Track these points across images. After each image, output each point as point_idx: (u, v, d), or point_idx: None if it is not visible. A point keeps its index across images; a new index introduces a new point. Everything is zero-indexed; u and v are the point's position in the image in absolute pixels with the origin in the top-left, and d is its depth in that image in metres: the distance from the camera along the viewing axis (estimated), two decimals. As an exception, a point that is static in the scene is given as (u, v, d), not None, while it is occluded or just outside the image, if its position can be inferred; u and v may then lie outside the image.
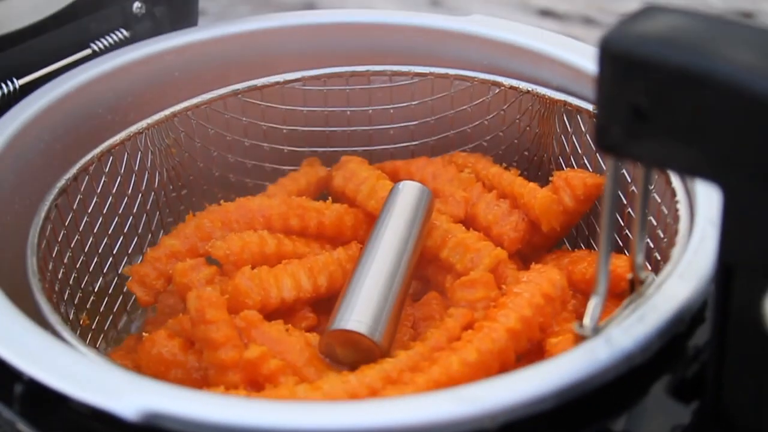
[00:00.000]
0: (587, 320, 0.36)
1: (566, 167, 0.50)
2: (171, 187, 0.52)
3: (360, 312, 0.42)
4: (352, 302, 0.42)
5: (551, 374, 0.33)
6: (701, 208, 0.40)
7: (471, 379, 0.39)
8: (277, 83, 0.51)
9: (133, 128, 0.48)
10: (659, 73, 0.30)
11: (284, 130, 0.52)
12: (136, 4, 0.53)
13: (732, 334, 0.33)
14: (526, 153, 0.52)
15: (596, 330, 0.35)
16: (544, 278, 0.44)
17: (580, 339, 0.36)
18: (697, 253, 0.38)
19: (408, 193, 0.47)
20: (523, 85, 0.50)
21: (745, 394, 0.34)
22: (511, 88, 0.50)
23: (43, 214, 0.44)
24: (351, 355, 0.42)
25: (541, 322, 0.42)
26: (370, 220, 0.49)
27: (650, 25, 0.31)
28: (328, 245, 0.48)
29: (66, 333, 0.38)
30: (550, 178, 0.48)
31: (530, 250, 0.49)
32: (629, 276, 0.37)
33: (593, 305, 0.35)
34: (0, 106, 0.48)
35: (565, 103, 0.49)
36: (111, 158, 0.47)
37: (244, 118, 0.51)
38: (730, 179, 0.31)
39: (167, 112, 0.49)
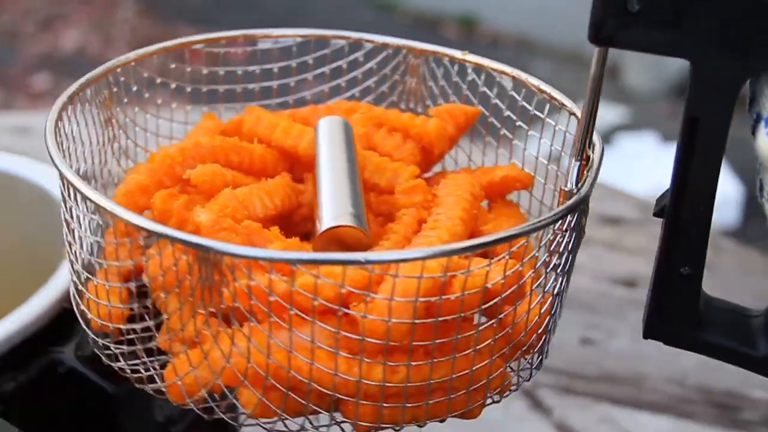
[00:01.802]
0: (571, 182, 0.47)
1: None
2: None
3: (344, 208, 0.50)
4: (333, 203, 0.50)
5: None
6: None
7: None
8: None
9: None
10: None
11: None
12: None
13: (692, 182, 0.46)
14: (400, 105, 0.62)
15: (578, 190, 0.47)
16: (463, 180, 0.54)
17: (569, 195, 0.47)
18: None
19: (334, 125, 0.55)
20: (393, 41, 0.60)
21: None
22: (383, 44, 0.60)
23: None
24: (342, 251, 0.50)
25: (475, 214, 0.53)
26: (287, 158, 0.56)
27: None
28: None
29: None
30: (429, 113, 0.59)
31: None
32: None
33: (574, 168, 0.47)
34: None
35: (433, 52, 0.60)
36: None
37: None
38: (699, 54, 0.43)
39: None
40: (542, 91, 0.55)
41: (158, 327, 0.48)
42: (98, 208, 0.44)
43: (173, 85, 0.59)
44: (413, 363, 0.44)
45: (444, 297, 0.43)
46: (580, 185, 0.47)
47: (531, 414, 0.82)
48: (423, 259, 0.42)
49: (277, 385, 0.44)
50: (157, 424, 0.60)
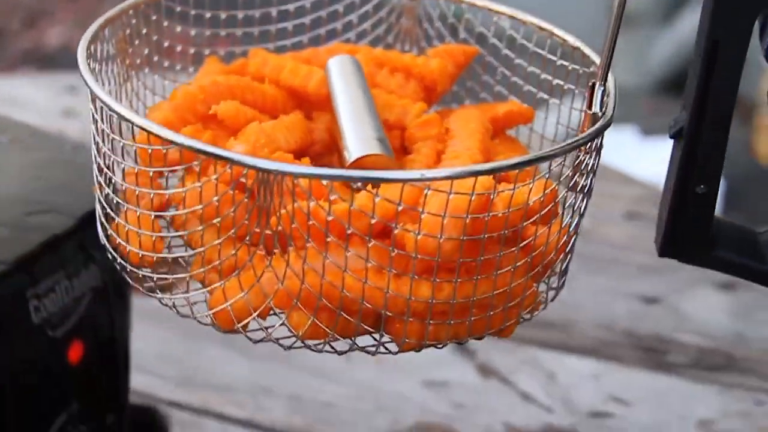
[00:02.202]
0: (596, 106, 0.49)
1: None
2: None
3: (371, 138, 0.51)
4: (359, 133, 0.51)
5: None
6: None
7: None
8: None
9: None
10: None
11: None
12: None
13: (711, 103, 0.48)
14: (395, 47, 0.64)
15: (603, 113, 0.49)
16: (472, 114, 0.56)
17: (596, 118, 0.49)
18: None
19: (345, 63, 0.57)
20: (390, -17, 0.62)
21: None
22: (380, -14, 0.62)
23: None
24: None
25: (488, 146, 0.55)
26: (295, 98, 0.57)
27: None
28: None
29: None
30: (428, 53, 0.60)
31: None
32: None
33: (598, 93, 0.49)
34: None
35: (427, -7, 0.62)
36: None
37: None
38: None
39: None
40: (542, 29, 0.58)
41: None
42: (141, 129, 0.45)
43: (178, 29, 0.59)
44: (459, 280, 0.46)
45: (492, 213, 0.45)
46: (604, 108, 0.49)
47: (454, 355, 0.83)
48: (475, 174, 0.44)
49: (329, 305, 0.46)
50: (35, 327, 0.59)
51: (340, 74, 0.56)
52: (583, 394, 0.67)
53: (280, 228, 0.45)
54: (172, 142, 0.44)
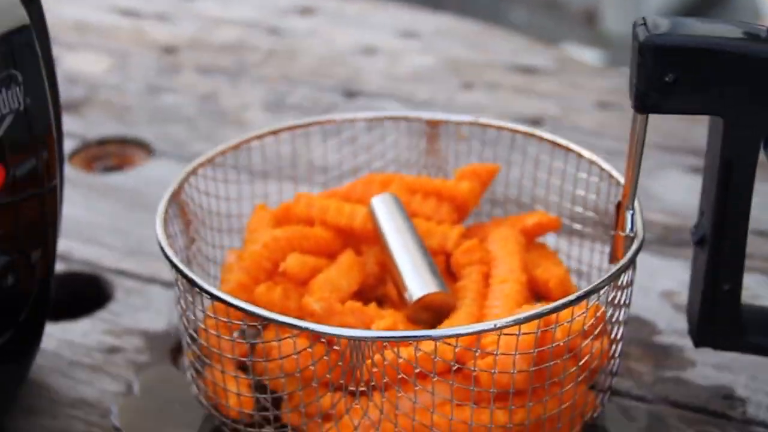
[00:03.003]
0: (627, 227, 0.55)
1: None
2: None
3: (428, 276, 0.57)
4: (416, 273, 0.57)
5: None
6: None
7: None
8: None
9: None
10: (686, 52, 0.51)
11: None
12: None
13: (729, 214, 0.54)
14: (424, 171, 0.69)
15: (634, 233, 0.55)
16: (508, 233, 0.62)
17: (629, 240, 0.55)
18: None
19: (387, 201, 0.62)
20: (413, 114, 0.68)
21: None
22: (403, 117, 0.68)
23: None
24: (431, 316, 0.57)
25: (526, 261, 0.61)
26: (341, 236, 0.63)
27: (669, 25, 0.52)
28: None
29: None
30: (455, 174, 0.66)
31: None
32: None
33: (629, 216, 0.55)
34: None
35: (446, 121, 0.67)
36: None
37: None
38: (730, 112, 0.52)
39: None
40: (558, 145, 0.63)
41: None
42: (245, 314, 0.50)
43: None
44: (531, 403, 0.52)
45: (555, 344, 0.51)
46: (635, 228, 0.55)
47: None
48: (539, 317, 0.49)
49: (422, 444, 0.51)
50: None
51: (385, 212, 0.61)
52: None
53: (372, 382, 0.50)
54: (272, 320, 0.49)
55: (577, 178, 0.63)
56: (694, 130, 0.85)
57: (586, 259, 0.64)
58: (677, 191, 0.80)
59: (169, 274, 0.56)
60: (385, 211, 0.61)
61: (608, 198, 0.61)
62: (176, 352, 0.64)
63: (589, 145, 0.65)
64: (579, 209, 0.64)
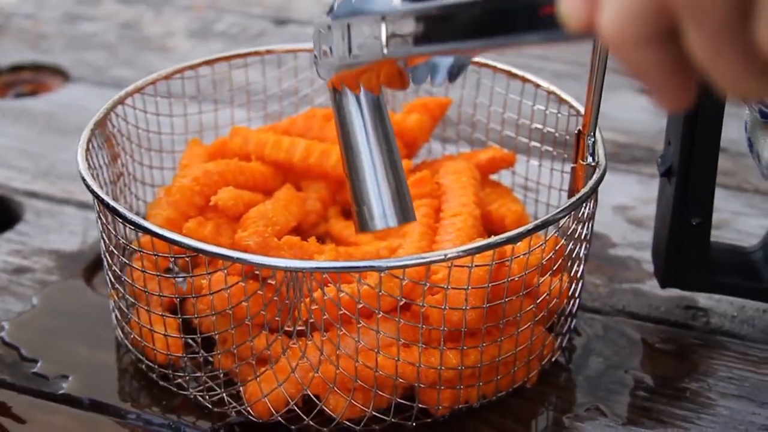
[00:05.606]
0: (588, 159, 0.51)
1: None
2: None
3: (390, 204, 0.47)
4: (376, 198, 0.49)
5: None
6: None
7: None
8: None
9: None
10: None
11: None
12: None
13: (698, 141, 0.50)
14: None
15: (596, 162, 0.51)
16: (461, 167, 0.57)
17: (590, 168, 0.51)
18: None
19: (367, 100, 0.54)
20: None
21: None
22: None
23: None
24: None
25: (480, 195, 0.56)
26: (279, 171, 0.58)
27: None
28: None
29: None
30: (405, 108, 0.62)
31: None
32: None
33: (590, 143, 0.51)
34: None
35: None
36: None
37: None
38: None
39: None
40: (514, 75, 0.59)
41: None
42: (171, 245, 0.45)
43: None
44: (485, 344, 0.48)
45: (511, 279, 0.46)
46: (597, 158, 0.51)
47: None
48: (494, 247, 0.45)
49: (364, 385, 0.47)
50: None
51: (358, 111, 0.47)
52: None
53: (312, 320, 0.46)
54: (201, 251, 0.45)
55: (534, 110, 0.59)
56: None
57: (544, 199, 0.60)
58: (628, 111, 0.77)
59: (84, 195, 0.51)
60: (358, 110, 0.52)
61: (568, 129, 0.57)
62: (90, 271, 0.60)
63: (535, 69, 0.61)
64: (536, 143, 0.60)
